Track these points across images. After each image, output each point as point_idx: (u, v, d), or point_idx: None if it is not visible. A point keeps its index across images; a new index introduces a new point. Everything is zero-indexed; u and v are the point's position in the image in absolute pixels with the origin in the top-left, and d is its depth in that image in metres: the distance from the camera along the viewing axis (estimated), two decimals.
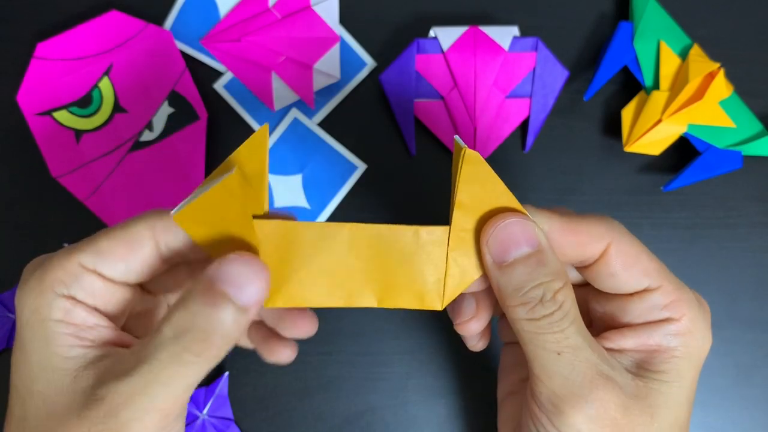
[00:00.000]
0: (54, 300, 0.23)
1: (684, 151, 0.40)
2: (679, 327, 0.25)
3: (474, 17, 0.41)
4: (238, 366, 0.40)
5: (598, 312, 0.28)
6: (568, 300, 0.24)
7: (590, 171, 0.41)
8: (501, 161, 0.41)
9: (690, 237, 0.41)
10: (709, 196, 0.41)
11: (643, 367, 0.25)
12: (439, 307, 0.26)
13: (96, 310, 0.25)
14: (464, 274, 0.26)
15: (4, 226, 0.41)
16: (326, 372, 0.40)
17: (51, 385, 0.23)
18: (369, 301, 0.26)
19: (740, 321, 0.41)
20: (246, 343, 0.30)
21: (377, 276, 0.26)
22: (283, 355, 0.29)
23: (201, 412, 0.39)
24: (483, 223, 0.25)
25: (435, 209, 0.41)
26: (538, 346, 0.24)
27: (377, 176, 0.41)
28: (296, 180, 0.41)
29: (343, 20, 0.41)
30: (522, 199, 0.41)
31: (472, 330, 0.28)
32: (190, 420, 0.40)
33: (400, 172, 0.41)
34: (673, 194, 0.41)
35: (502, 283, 0.24)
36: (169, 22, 0.41)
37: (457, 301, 0.28)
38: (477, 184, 0.25)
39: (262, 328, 0.29)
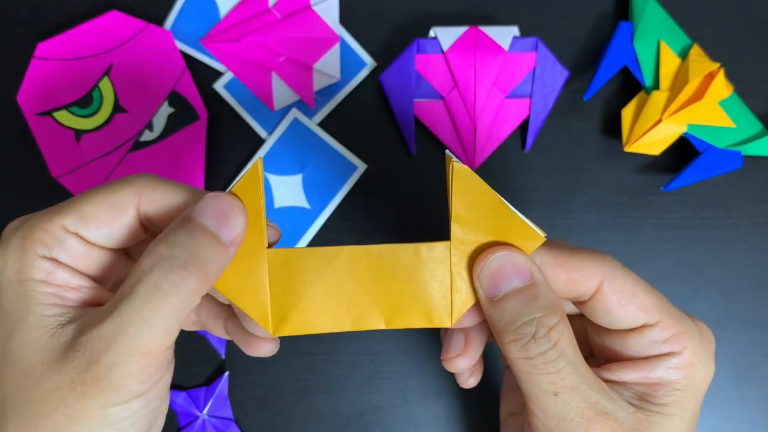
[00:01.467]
0: (35, 261, 0.23)
1: (684, 151, 0.40)
2: (680, 360, 0.25)
3: (474, 17, 0.41)
4: (238, 366, 0.40)
5: (598, 343, 0.28)
6: (564, 337, 0.23)
7: (590, 171, 0.41)
8: (501, 161, 0.41)
9: (690, 237, 0.41)
10: (709, 196, 0.41)
11: (645, 400, 0.25)
12: (449, 324, 0.25)
13: (79, 272, 0.24)
14: (471, 288, 0.25)
15: (4, 226, 0.41)
16: (326, 372, 0.40)
17: (27, 343, 0.22)
18: (377, 323, 0.26)
19: (740, 321, 0.41)
20: (223, 334, 0.29)
21: (383, 297, 0.25)
22: (263, 348, 0.28)
23: (201, 412, 0.39)
24: (485, 235, 0.25)
25: (435, 209, 0.41)
26: (534, 386, 0.24)
27: (377, 176, 0.41)
28: (296, 180, 0.41)
29: (343, 20, 0.41)
30: (522, 200, 0.41)
31: (460, 367, 0.27)
32: (190, 420, 0.40)
33: (400, 172, 0.41)
34: (673, 194, 0.41)
35: (495, 318, 0.24)
36: (169, 22, 0.41)
37: (446, 336, 0.28)
38: (470, 196, 0.24)
39: (239, 321, 0.28)
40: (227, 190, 0.24)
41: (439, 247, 0.25)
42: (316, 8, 0.40)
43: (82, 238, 0.24)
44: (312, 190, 0.41)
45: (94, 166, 0.40)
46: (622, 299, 0.25)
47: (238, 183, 0.24)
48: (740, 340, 0.41)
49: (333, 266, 0.25)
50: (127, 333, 0.21)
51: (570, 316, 0.27)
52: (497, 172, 0.41)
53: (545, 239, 0.24)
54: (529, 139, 0.40)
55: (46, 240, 0.23)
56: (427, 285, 0.25)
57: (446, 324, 0.25)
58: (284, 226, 0.41)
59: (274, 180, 0.41)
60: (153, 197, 0.24)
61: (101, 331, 0.21)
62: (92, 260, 0.25)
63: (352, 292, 0.25)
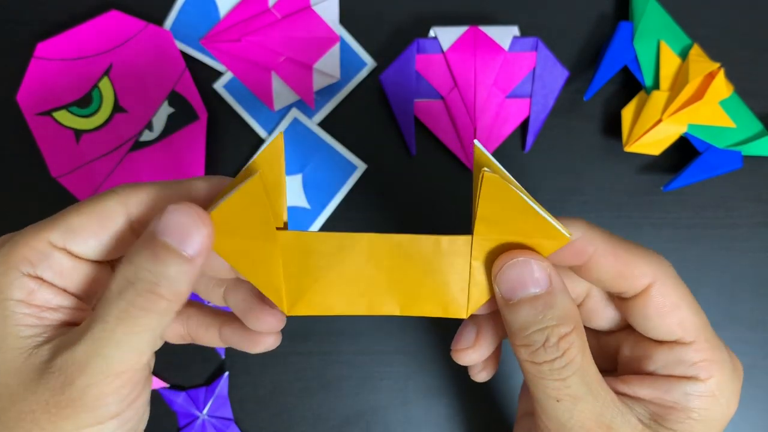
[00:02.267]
0: (17, 279, 0.23)
1: (684, 151, 0.40)
2: (703, 388, 0.24)
3: (474, 17, 0.41)
4: (238, 366, 0.40)
5: (625, 356, 0.27)
6: (574, 347, 0.23)
7: (590, 171, 0.41)
8: (501, 161, 0.41)
9: (690, 237, 0.41)
10: (709, 196, 0.41)
11: (656, 421, 0.24)
12: (464, 316, 0.25)
13: (63, 290, 0.24)
14: (488, 283, 0.25)
15: (4, 225, 0.41)
16: (326, 372, 0.40)
17: (2, 365, 0.22)
18: (392, 308, 0.26)
19: (740, 321, 0.41)
20: (217, 343, 0.28)
21: (399, 285, 0.26)
22: (266, 342, 0.27)
23: (201, 412, 0.39)
24: (510, 234, 0.24)
25: (435, 209, 0.41)
26: (539, 389, 0.24)
27: (377, 176, 0.41)
28: (296, 180, 0.41)
29: (343, 20, 0.41)
30: None
31: (469, 360, 0.27)
32: (190, 420, 0.40)
33: (400, 172, 0.41)
34: (673, 194, 0.41)
35: (509, 320, 0.24)
36: (169, 22, 0.41)
37: (460, 328, 0.27)
38: (497, 201, 0.24)
39: (235, 320, 0.28)
40: (247, 165, 0.24)
41: (460, 240, 0.25)
42: (316, 8, 0.40)
43: (69, 252, 0.24)
44: (312, 189, 0.41)
45: (94, 165, 0.40)
46: (665, 308, 0.24)
47: (260, 154, 0.24)
48: (740, 340, 0.41)
49: (352, 252, 0.25)
50: (100, 354, 0.21)
51: (604, 332, 0.27)
52: None
53: (569, 239, 0.24)
54: (529, 139, 0.40)
55: (31, 257, 0.23)
56: (445, 276, 0.25)
57: (461, 315, 0.25)
58: None
59: None
60: (139, 200, 0.24)
61: (75, 353, 0.21)
62: (77, 276, 0.24)
63: (369, 277, 0.25)
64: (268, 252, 0.25)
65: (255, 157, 0.24)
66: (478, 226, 0.24)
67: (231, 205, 0.23)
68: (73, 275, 0.24)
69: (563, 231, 0.24)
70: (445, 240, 0.25)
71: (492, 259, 0.24)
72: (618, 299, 0.26)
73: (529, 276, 0.23)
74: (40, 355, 0.22)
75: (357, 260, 0.25)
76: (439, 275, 0.25)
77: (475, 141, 0.25)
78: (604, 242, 0.24)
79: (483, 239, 0.25)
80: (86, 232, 0.23)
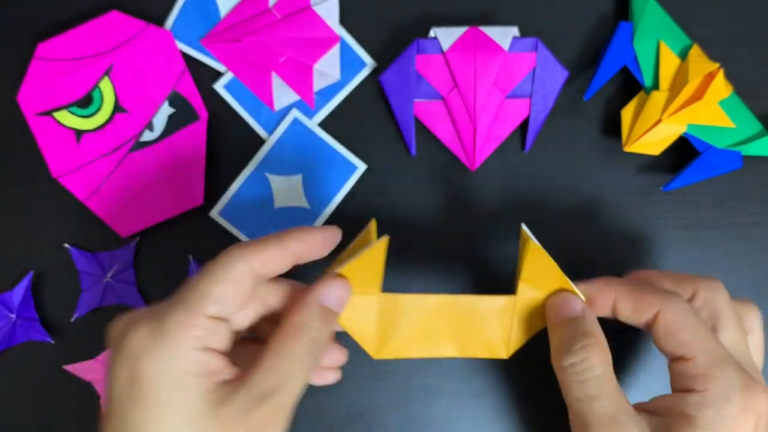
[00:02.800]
0: (190, 353, 0.26)
1: (684, 151, 0.40)
2: (700, 399, 0.28)
3: (474, 17, 0.42)
4: None
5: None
6: (594, 356, 0.29)
7: (590, 171, 0.41)
8: (501, 161, 0.41)
9: (689, 237, 0.41)
10: (709, 196, 0.41)
11: (666, 429, 0.28)
12: (505, 356, 0.33)
13: (223, 353, 0.28)
14: (525, 330, 0.33)
15: (5, 226, 0.41)
16: None
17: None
18: (451, 352, 0.33)
19: None
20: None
21: (458, 333, 0.33)
22: (329, 377, 0.34)
23: None
24: (543, 294, 0.32)
25: (435, 209, 0.41)
26: (566, 391, 0.30)
27: (377, 176, 0.41)
28: (296, 180, 0.41)
29: (343, 20, 0.41)
30: (522, 200, 0.41)
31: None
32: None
33: (400, 172, 0.41)
34: (673, 194, 0.41)
35: (554, 335, 0.31)
36: (169, 23, 0.41)
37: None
38: (536, 265, 0.32)
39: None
40: (367, 227, 0.34)
41: (503, 299, 0.33)
42: (316, 8, 0.40)
43: (223, 320, 0.27)
44: (312, 190, 0.41)
45: (95, 166, 0.40)
46: (668, 330, 0.29)
47: (363, 257, 0.30)
48: None
49: (425, 308, 0.33)
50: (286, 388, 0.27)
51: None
52: (497, 172, 0.41)
53: (583, 298, 0.32)
54: (529, 139, 0.40)
55: (199, 332, 0.26)
56: (493, 326, 0.33)
57: (503, 356, 0.33)
58: (285, 226, 0.41)
59: (275, 180, 0.41)
60: (261, 261, 0.28)
61: (271, 396, 0.27)
62: (229, 338, 0.28)
63: (437, 328, 0.33)
64: (367, 307, 0.32)
65: (370, 224, 0.34)
66: (521, 286, 0.32)
67: (357, 265, 0.31)
68: (227, 338, 0.28)
69: (579, 293, 0.32)
70: (494, 299, 0.33)
71: (529, 312, 0.33)
72: (647, 328, 0.31)
73: (567, 306, 0.31)
74: (227, 411, 0.26)
75: (429, 314, 0.33)
76: (488, 325, 0.33)
77: (522, 225, 0.33)
78: (621, 289, 0.31)
79: (523, 298, 0.33)
80: (228, 299, 0.27)
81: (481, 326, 0.33)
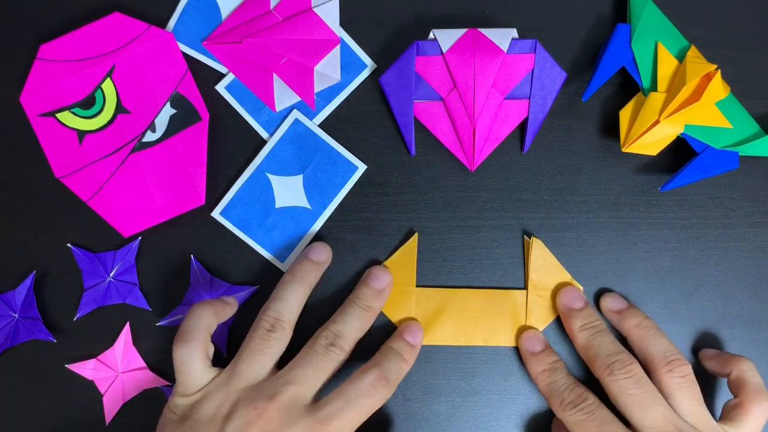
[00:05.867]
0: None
1: (681, 151, 0.41)
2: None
3: (473, 19, 0.42)
4: None
5: None
6: (602, 324, 0.39)
7: (588, 171, 0.41)
8: (500, 162, 0.42)
9: (687, 237, 0.41)
10: (707, 197, 0.41)
11: None
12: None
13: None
14: (538, 321, 0.40)
15: (8, 226, 0.41)
16: None
17: None
18: (479, 341, 0.40)
19: (737, 321, 0.41)
20: None
21: (483, 323, 0.40)
22: None
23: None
24: (550, 288, 0.41)
25: (434, 210, 0.41)
26: (590, 364, 0.38)
27: (377, 176, 0.41)
28: (297, 180, 0.41)
29: (344, 22, 0.42)
30: (521, 200, 0.41)
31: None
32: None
33: (400, 173, 0.41)
34: (671, 194, 0.41)
35: (570, 323, 0.39)
36: (171, 24, 0.41)
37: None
38: (541, 262, 0.40)
39: None
40: (388, 258, 0.41)
41: (519, 293, 0.40)
42: (317, 10, 0.40)
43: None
44: (313, 190, 0.41)
45: (97, 166, 0.40)
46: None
47: (400, 252, 0.41)
48: (737, 340, 0.41)
49: (455, 301, 0.40)
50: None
51: None
52: (496, 172, 0.41)
53: (581, 288, 0.41)
54: (528, 140, 0.41)
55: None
56: (511, 318, 0.40)
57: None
58: (286, 225, 0.41)
59: (276, 180, 0.41)
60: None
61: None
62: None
63: (465, 319, 0.40)
64: (407, 299, 0.40)
65: (396, 253, 0.41)
66: (531, 278, 0.40)
67: (396, 259, 0.41)
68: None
69: (577, 284, 0.41)
70: (509, 293, 0.40)
71: (541, 303, 0.40)
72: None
73: (576, 296, 0.40)
74: None
75: (459, 306, 0.40)
76: (506, 317, 0.40)
77: (533, 237, 0.41)
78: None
79: (534, 291, 0.40)
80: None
81: (501, 317, 0.40)
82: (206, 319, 0.37)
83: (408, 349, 0.38)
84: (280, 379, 0.35)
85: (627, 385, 0.35)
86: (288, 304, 0.37)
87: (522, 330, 0.40)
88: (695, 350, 0.41)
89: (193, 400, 0.35)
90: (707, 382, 0.41)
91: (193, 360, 0.36)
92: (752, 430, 0.36)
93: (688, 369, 0.37)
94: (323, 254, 0.39)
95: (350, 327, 0.37)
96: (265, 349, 0.36)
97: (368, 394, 0.35)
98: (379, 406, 0.35)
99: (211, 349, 0.38)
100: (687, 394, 0.36)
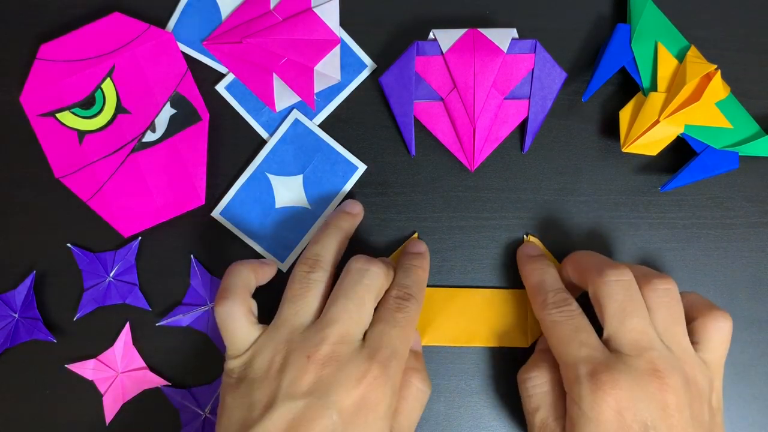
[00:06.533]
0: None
1: (681, 151, 0.41)
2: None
3: (473, 20, 0.42)
4: None
5: None
6: (551, 266, 0.38)
7: (588, 171, 0.41)
8: (500, 162, 0.42)
9: (687, 237, 0.41)
10: (707, 197, 0.41)
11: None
12: (526, 345, 0.40)
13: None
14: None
15: (8, 226, 0.41)
16: None
17: None
18: (480, 342, 0.40)
19: (737, 320, 0.41)
20: None
21: (484, 324, 0.40)
22: None
23: (203, 410, 0.40)
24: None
25: (434, 210, 0.41)
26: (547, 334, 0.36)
27: (377, 177, 0.41)
28: (297, 180, 0.41)
29: (344, 22, 0.42)
30: (521, 200, 0.41)
31: None
32: (193, 418, 0.40)
33: (400, 173, 0.42)
34: (671, 194, 0.41)
35: (524, 265, 0.39)
36: (171, 24, 0.41)
37: None
38: None
39: None
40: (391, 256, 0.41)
41: (521, 293, 0.40)
42: (316, 10, 0.40)
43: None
44: (313, 190, 0.41)
45: (97, 166, 0.40)
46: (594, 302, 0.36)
47: (401, 250, 0.40)
48: (737, 340, 0.41)
49: (456, 301, 0.40)
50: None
51: None
52: (496, 172, 0.41)
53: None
54: (528, 140, 0.41)
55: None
56: (513, 318, 0.40)
57: (525, 345, 0.40)
58: (286, 225, 0.41)
59: (276, 180, 0.41)
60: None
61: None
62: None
63: (467, 319, 0.40)
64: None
65: (413, 236, 0.41)
66: None
67: (394, 260, 0.40)
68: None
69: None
70: (510, 293, 0.40)
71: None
72: None
73: (534, 248, 0.40)
74: None
75: (459, 306, 0.40)
76: (508, 317, 0.40)
77: (530, 236, 0.41)
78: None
79: None
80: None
81: (503, 318, 0.40)
82: (244, 276, 0.36)
83: (418, 258, 0.38)
84: (324, 320, 0.34)
85: (616, 289, 0.34)
86: (325, 246, 0.36)
87: (522, 330, 0.40)
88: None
89: (244, 360, 0.34)
90: None
91: (236, 318, 0.34)
92: (719, 349, 0.34)
93: (672, 284, 0.35)
94: (356, 207, 0.40)
95: (329, 247, 0.37)
96: (306, 292, 0.35)
97: (398, 308, 0.35)
98: (416, 319, 0.35)
99: (254, 306, 0.36)
100: (667, 309, 0.34)
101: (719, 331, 0.34)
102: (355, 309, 0.34)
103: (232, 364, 0.34)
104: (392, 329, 0.34)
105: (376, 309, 0.35)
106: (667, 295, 0.34)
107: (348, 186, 0.41)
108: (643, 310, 0.33)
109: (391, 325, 0.34)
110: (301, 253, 0.37)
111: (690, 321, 0.35)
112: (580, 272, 0.36)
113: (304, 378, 0.32)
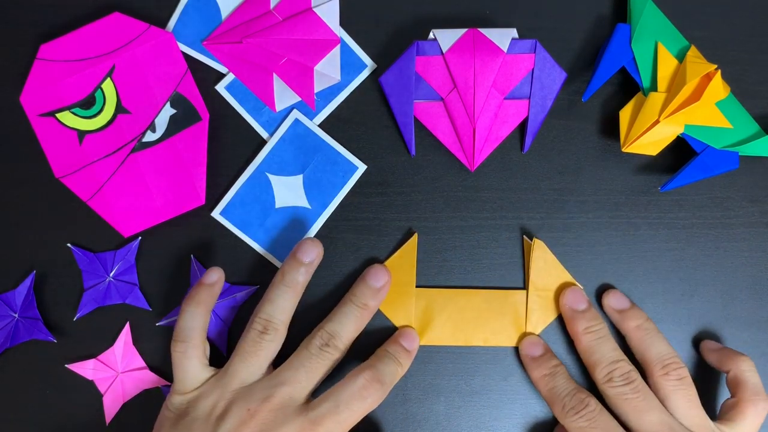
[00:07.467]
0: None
1: (681, 151, 0.41)
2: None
3: (473, 20, 0.42)
4: None
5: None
6: (604, 328, 0.39)
7: (588, 171, 0.41)
8: (500, 162, 0.42)
9: (687, 237, 0.41)
10: (706, 197, 0.41)
11: None
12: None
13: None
14: (539, 322, 0.40)
15: (8, 226, 0.41)
16: None
17: None
18: (478, 341, 0.40)
19: (737, 320, 0.41)
20: None
21: (482, 324, 0.40)
22: None
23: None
24: (551, 288, 0.40)
25: (434, 210, 0.41)
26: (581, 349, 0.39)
27: (377, 176, 0.41)
28: (297, 180, 0.41)
29: (344, 22, 0.42)
30: (521, 200, 0.41)
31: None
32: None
33: (400, 173, 0.42)
34: (671, 194, 0.41)
35: (573, 325, 0.39)
36: (171, 24, 0.41)
37: None
38: (542, 262, 0.40)
39: None
40: (386, 261, 0.41)
41: (520, 294, 0.40)
42: (317, 10, 0.40)
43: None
44: (313, 190, 0.41)
45: (97, 166, 0.40)
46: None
47: (400, 251, 0.41)
48: (737, 340, 0.41)
49: (455, 301, 0.40)
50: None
51: None
52: (496, 172, 0.41)
53: (581, 287, 0.40)
54: (528, 140, 0.41)
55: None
56: (511, 318, 0.40)
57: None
58: (286, 225, 0.41)
59: (276, 180, 0.41)
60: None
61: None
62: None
63: (465, 319, 0.40)
64: (407, 300, 0.40)
65: (395, 254, 0.41)
66: (532, 279, 0.40)
67: (396, 258, 0.40)
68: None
69: (577, 283, 0.41)
70: (509, 293, 0.40)
71: (541, 303, 0.40)
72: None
73: (582, 297, 0.40)
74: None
75: (459, 307, 0.40)
76: (506, 317, 0.40)
77: (537, 239, 0.40)
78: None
79: (534, 290, 0.40)
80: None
81: (501, 318, 0.40)
82: (200, 317, 0.37)
83: (403, 353, 0.38)
84: (274, 380, 0.35)
85: (624, 391, 0.36)
86: (279, 307, 0.37)
87: (522, 334, 0.40)
88: (696, 350, 0.41)
89: (189, 398, 0.36)
90: (710, 377, 0.41)
91: (190, 358, 0.36)
92: (748, 430, 0.36)
93: (685, 372, 0.37)
94: (312, 253, 0.38)
95: (345, 326, 0.37)
96: (258, 351, 0.36)
97: (360, 396, 0.35)
98: (372, 409, 0.35)
99: (208, 348, 0.38)
100: (683, 396, 0.36)
101: (758, 416, 0.37)
102: (306, 377, 0.36)
103: (177, 400, 0.36)
104: (342, 413, 0.35)
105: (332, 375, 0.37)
106: (681, 384, 0.37)
107: (348, 186, 0.41)
108: (656, 403, 0.36)
109: (344, 408, 0.35)
110: (284, 262, 0.39)
111: (732, 393, 0.38)
112: (588, 364, 0.39)
113: (241, 429, 0.34)
